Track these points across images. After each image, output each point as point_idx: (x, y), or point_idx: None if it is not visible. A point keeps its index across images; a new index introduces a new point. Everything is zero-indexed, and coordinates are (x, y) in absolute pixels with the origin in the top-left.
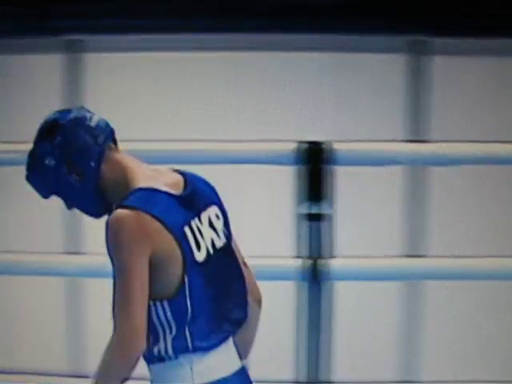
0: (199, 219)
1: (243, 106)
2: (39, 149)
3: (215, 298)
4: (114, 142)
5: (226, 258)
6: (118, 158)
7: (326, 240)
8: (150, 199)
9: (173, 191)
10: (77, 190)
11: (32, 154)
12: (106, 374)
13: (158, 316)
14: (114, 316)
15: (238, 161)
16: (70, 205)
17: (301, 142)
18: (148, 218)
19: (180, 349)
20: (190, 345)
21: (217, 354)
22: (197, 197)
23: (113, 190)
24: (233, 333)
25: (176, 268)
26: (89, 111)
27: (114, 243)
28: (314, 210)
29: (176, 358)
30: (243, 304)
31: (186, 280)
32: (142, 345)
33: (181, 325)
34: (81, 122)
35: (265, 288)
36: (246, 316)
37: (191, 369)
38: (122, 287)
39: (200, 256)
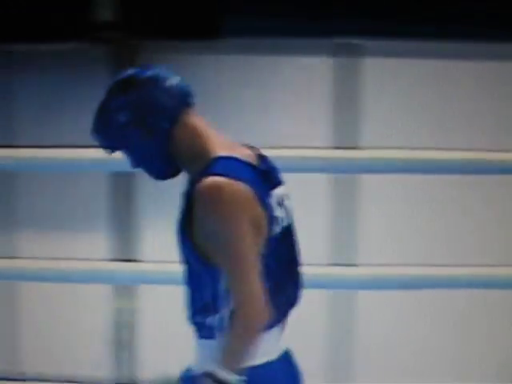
0: (271, 195)
1: None
2: (111, 102)
3: (282, 275)
4: (192, 106)
5: (291, 237)
6: (193, 122)
7: None
8: (237, 168)
9: (254, 163)
10: (145, 149)
11: (103, 107)
12: (237, 354)
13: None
14: (234, 289)
15: None
16: (135, 164)
17: None
18: (243, 185)
19: None
20: None
21: (271, 334)
22: (271, 173)
23: (185, 154)
24: (286, 315)
25: (261, 238)
26: (169, 72)
27: (218, 212)
28: None
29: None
30: (299, 288)
31: (265, 251)
32: (267, 313)
33: None
34: (158, 81)
35: None
36: (298, 301)
37: None
38: (236, 257)
39: (277, 229)
